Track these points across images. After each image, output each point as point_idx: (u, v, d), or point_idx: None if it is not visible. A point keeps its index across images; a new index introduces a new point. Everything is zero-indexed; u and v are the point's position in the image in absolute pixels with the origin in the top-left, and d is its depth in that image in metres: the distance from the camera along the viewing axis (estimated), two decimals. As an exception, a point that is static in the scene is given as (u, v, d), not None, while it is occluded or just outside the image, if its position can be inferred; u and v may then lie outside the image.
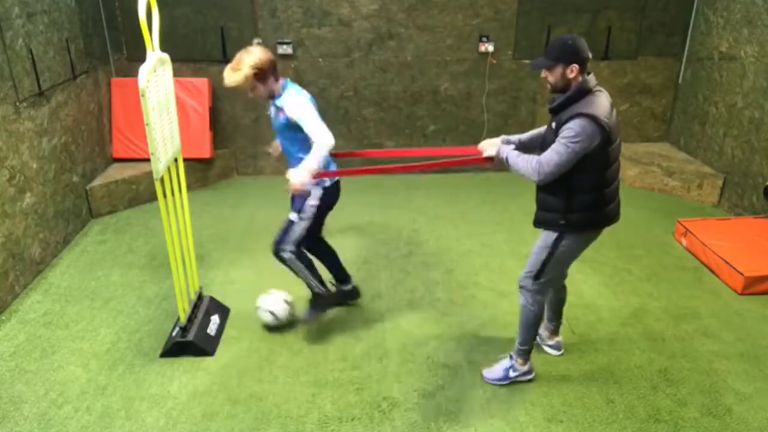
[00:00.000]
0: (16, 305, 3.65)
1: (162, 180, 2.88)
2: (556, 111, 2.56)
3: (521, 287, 2.86)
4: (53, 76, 4.21)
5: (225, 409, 2.81)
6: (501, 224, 4.81)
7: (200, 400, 2.87)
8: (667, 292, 3.81)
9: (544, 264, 2.74)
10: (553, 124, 2.55)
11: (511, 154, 2.65)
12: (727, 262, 3.85)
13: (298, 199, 3.08)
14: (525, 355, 2.96)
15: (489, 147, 2.77)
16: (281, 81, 2.99)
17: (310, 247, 3.36)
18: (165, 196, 2.93)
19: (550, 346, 3.22)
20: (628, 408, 2.82)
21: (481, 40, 5.51)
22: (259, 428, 2.70)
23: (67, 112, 4.44)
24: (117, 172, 5.12)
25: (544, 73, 2.57)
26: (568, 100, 2.50)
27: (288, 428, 2.70)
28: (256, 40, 3.03)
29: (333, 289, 3.45)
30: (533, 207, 4.99)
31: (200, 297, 3.49)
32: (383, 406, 2.84)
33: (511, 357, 3.00)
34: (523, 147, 2.83)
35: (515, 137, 2.90)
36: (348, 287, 3.57)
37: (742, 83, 4.80)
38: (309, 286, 3.29)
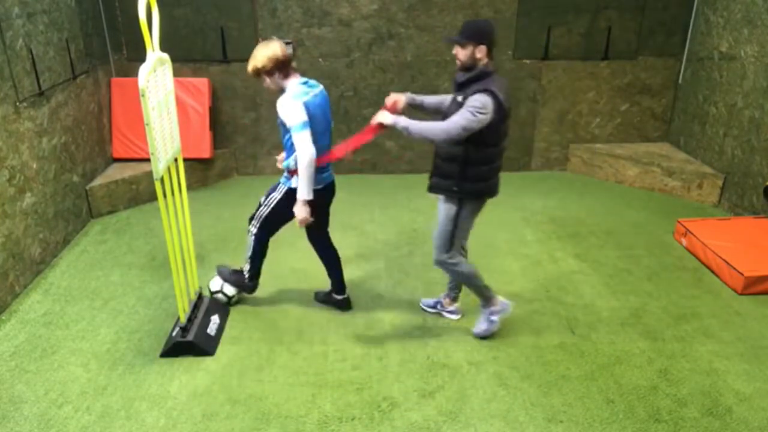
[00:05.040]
0: (16, 305, 3.65)
1: (162, 180, 2.88)
2: (461, 86, 2.84)
3: (439, 264, 3.19)
4: (53, 76, 4.21)
5: (225, 409, 2.81)
6: (501, 224, 4.81)
7: (200, 400, 2.87)
8: (667, 292, 3.81)
9: (452, 236, 3.09)
10: (459, 98, 2.83)
11: (411, 123, 2.82)
12: (727, 262, 3.85)
13: (273, 186, 3.26)
14: (489, 299, 3.31)
15: (383, 116, 2.91)
16: (292, 79, 3.00)
17: (318, 250, 3.49)
18: (165, 196, 2.93)
19: (451, 312, 3.54)
20: (628, 408, 2.82)
21: (481, 40, 5.50)
22: (259, 428, 2.70)
23: (67, 112, 4.44)
24: (117, 172, 5.12)
25: (455, 49, 2.83)
26: (474, 77, 2.80)
27: (288, 428, 2.70)
28: (285, 40, 3.06)
29: (254, 286, 3.58)
30: (533, 207, 5.00)
31: (200, 297, 3.49)
32: (383, 406, 2.84)
33: (483, 310, 3.35)
34: (427, 110, 3.12)
35: (422, 97, 3.13)
36: (340, 297, 3.59)
37: (742, 83, 4.80)
38: (246, 265, 3.49)
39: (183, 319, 3.19)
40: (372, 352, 3.22)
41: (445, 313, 3.55)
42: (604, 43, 5.57)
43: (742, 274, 3.71)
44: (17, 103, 3.75)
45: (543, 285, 3.89)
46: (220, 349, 3.24)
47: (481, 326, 3.34)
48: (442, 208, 3.08)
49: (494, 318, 3.31)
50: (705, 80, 5.31)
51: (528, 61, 5.64)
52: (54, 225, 4.21)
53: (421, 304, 3.63)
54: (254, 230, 3.35)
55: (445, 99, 3.08)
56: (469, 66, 2.82)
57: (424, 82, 5.65)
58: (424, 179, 5.63)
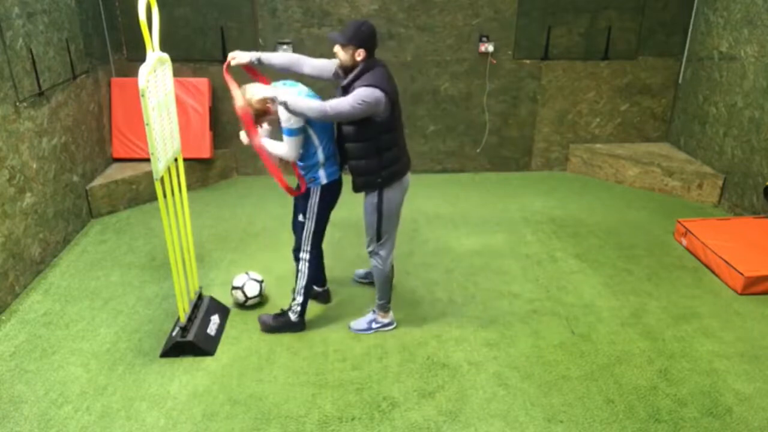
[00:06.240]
0: (16, 305, 3.65)
1: (162, 180, 2.88)
2: (346, 89, 2.91)
3: (370, 253, 3.27)
4: (53, 76, 4.21)
5: (225, 409, 2.81)
6: (501, 224, 4.81)
7: (200, 400, 2.87)
8: (667, 292, 3.81)
9: (379, 224, 3.16)
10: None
11: (290, 97, 2.80)
12: (727, 262, 3.85)
13: (301, 201, 3.20)
14: (384, 308, 3.38)
15: (256, 89, 2.91)
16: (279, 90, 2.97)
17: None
18: (165, 196, 2.93)
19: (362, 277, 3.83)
20: (628, 408, 2.82)
21: (481, 40, 5.51)
22: (259, 428, 2.70)
23: (67, 112, 4.44)
24: (117, 172, 5.12)
25: (337, 48, 2.92)
26: (355, 78, 2.88)
27: (288, 428, 2.71)
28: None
29: (302, 324, 3.42)
30: (533, 207, 5.02)
31: (200, 297, 3.49)
32: (383, 406, 2.84)
33: (373, 311, 3.42)
34: (278, 70, 3.15)
35: (269, 55, 3.12)
36: (320, 289, 3.66)
37: (742, 83, 4.80)
38: (294, 298, 3.34)
39: (183, 319, 3.19)
40: (372, 352, 3.22)
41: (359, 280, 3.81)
42: (604, 43, 5.57)
43: (742, 274, 3.71)
44: (17, 103, 3.75)
45: (543, 285, 3.90)
46: (220, 349, 3.24)
47: (360, 324, 3.41)
48: (365, 202, 3.16)
49: (375, 326, 3.39)
50: (705, 80, 5.31)
51: (528, 61, 5.64)
52: (54, 225, 4.21)
53: (355, 274, 3.89)
54: (307, 255, 3.24)
55: (298, 59, 3.15)
56: (350, 67, 2.92)
57: (424, 82, 5.65)
58: (422, 179, 5.69)
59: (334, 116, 2.82)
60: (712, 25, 5.19)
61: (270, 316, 3.42)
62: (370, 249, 3.27)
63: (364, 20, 2.98)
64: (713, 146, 5.21)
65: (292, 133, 2.94)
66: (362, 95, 2.79)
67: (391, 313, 3.43)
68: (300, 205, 3.23)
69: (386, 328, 3.41)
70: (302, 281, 3.29)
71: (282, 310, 3.41)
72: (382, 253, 3.24)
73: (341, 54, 2.92)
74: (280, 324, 3.38)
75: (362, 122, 2.89)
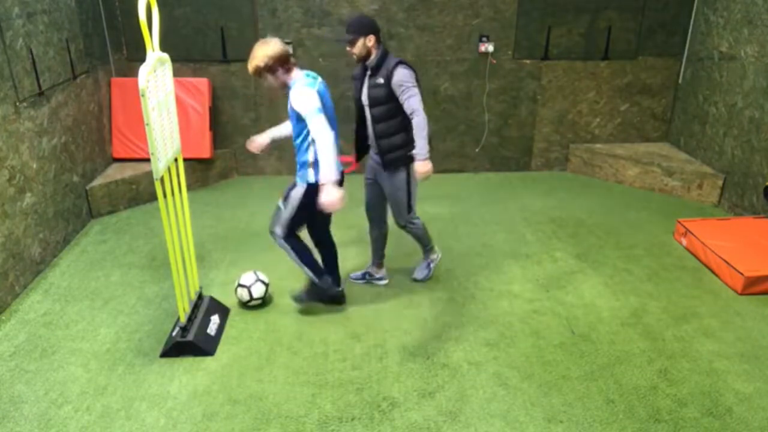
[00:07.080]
0: (16, 305, 3.65)
1: (162, 180, 2.88)
2: (375, 70, 3.20)
3: (404, 226, 3.58)
4: (53, 76, 4.21)
5: (225, 409, 2.81)
6: (501, 224, 4.81)
7: (200, 400, 2.87)
8: (667, 292, 3.81)
9: (408, 198, 3.45)
10: (380, 80, 3.19)
11: (420, 146, 3.18)
12: (727, 262, 3.85)
13: (288, 191, 3.27)
14: (431, 250, 3.86)
15: (424, 166, 3.23)
16: (295, 72, 3.07)
17: (318, 240, 3.54)
18: (165, 196, 2.93)
19: (379, 278, 3.89)
20: (628, 408, 2.82)
21: (481, 40, 5.51)
22: (259, 428, 2.70)
23: (67, 112, 4.44)
24: (117, 172, 5.12)
25: (349, 48, 3.17)
26: (381, 58, 3.19)
27: (288, 428, 2.71)
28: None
29: (329, 282, 3.51)
30: (533, 207, 5.01)
31: (200, 297, 3.49)
32: (383, 406, 2.84)
33: (425, 257, 3.88)
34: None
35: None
36: (338, 289, 3.62)
37: (742, 83, 4.80)
38: (304, 272, 3.43)
39: (183, 319, 3.19)
40: (372, 352, 3.22)
41: (374, 282, 3.88)
42: (604, 43, 5.57)
43: (742, 274, 3.71)
44: (17, 103, 3.75)
45: (543, 285, 3.90)
46: (220, 349, 3.24)
47: (423, 272, 3.87)
48: (389, 182, 3.39)
49: (432, 265, 3.88)
50: (705, 80, 5.31)
51: (528, 61, 5.64)
52: (54, 225, 4.21)
53: (350, 278, 3.88)
54: (281, 234, 3.28)
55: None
56: (366, 56, 3.19)
57: (424, 82, 5.64)
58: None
59: (422, 108, 3.15)
60: (712, 25, 5.19)
61: (302, 293, 3.53)
62: (405, 222, 3.54)
63: (359, 14, 3.14)
64: (713, 146, 5.21)
65: (318, 111, 2.93)
66: (407, 74, 3.15)
67: (435, 247, 3.87)
68: (286, 193, 3.27)
69: (438, 259, 3.90)
70: (293, 259, 3.35)
71: (308, 284, 3.51)
72: (415, 218, 3.57)
73: (354, 50, 3.16)
74: (313, 295, 3.52)
75: (389, 101, 3.18)
